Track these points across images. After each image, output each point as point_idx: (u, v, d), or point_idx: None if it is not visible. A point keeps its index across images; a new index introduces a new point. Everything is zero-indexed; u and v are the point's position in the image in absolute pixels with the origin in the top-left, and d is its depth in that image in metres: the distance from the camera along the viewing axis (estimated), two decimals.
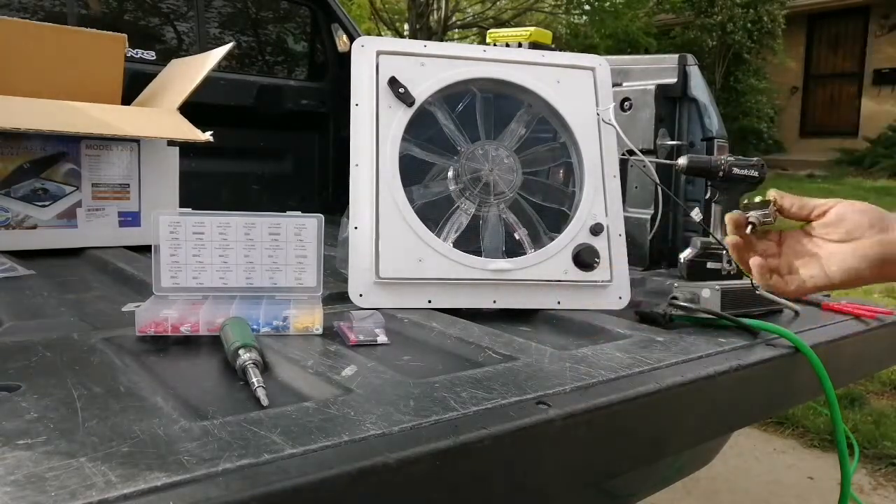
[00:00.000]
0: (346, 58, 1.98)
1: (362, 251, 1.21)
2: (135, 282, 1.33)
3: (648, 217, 1.78)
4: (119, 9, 2.63)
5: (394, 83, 1.29)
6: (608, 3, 13.35)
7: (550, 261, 1.27)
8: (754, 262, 0.87)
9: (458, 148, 1.33)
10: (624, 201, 1.46)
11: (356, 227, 1.23)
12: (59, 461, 0.56)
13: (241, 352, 0.83)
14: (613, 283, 1.28)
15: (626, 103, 1.84)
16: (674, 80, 1.83)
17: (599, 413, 0.78)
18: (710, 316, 1.14)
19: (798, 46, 13.37)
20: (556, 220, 1.34)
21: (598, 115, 1.38)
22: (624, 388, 0.83)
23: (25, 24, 1.93)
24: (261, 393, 0.73)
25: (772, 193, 0.90)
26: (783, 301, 1.29)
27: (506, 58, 1.39)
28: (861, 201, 0.86)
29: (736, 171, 1.43)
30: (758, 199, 0.92)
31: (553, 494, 0.75)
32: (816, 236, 0.86)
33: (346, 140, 1.29)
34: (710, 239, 1.52)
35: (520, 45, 2.11)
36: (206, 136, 1.68)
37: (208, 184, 2.45)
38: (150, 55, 2.46)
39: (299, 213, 1.11)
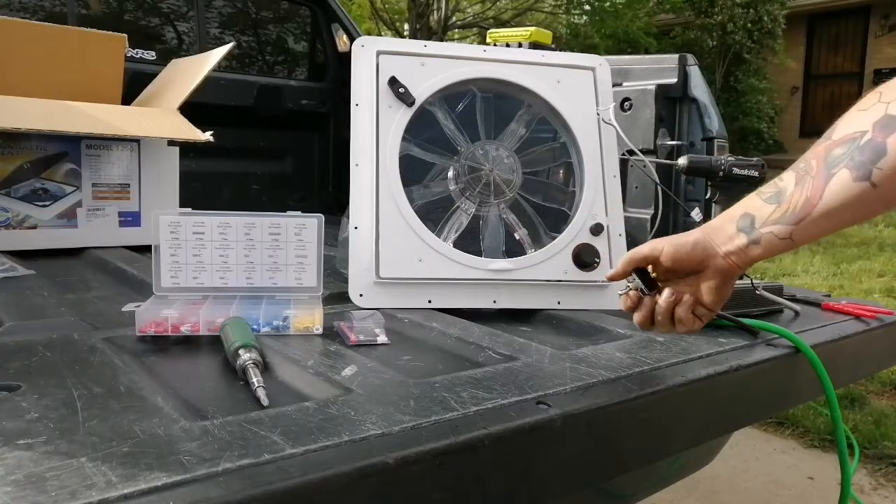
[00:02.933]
0: (346, 58, 1.98)
1: (362, 251, 1.21)
2: (135, 282, 1.33)
3: (648, 217, 1.78)
4: (119, 9, 2.63)
5: (394, 83, 1.29)
6: (608, 3, 13.35)
7: (550, 261, 1.27)
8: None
9: (458, 148, 1.33)
10: (624, 201, 1.46)
11: (356, 227, 1.22)
12: (60, 461, 0.56)
13: (241, 352, 0.83)
14: (614, 283, 1.28)
15: (626, 103, 1.84)
16: (674, 80, 1.83)
17: (599, 413, 0.78)
18: None
19: (798, 46, 13.35)
20: (557, 220, 1.34)
21: (598, 115, 1.38)
22: (624, 388, 0.83)
23: (25, 24, 1.93)
24: (261, 393, 0.73)
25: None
26: (783, 301, 1.29)
27: (506, 58, 1.39)
28: (673, 240, 0.92)
29: (736, 171, 1.43)
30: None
31: (553, 494, 0.75)
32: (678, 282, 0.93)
33: (346, 140, 1.29)
34: None
35: (520, 45, 2.11)
36: (206, 136, 1.68)
37: (208, 184, 2.45)
38: (150, 55, 2.47)
39: (299, 213, 1.11)
